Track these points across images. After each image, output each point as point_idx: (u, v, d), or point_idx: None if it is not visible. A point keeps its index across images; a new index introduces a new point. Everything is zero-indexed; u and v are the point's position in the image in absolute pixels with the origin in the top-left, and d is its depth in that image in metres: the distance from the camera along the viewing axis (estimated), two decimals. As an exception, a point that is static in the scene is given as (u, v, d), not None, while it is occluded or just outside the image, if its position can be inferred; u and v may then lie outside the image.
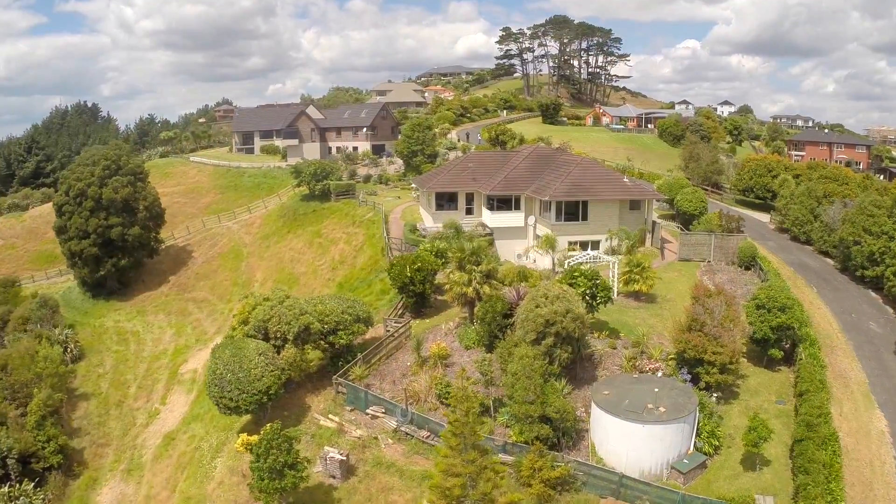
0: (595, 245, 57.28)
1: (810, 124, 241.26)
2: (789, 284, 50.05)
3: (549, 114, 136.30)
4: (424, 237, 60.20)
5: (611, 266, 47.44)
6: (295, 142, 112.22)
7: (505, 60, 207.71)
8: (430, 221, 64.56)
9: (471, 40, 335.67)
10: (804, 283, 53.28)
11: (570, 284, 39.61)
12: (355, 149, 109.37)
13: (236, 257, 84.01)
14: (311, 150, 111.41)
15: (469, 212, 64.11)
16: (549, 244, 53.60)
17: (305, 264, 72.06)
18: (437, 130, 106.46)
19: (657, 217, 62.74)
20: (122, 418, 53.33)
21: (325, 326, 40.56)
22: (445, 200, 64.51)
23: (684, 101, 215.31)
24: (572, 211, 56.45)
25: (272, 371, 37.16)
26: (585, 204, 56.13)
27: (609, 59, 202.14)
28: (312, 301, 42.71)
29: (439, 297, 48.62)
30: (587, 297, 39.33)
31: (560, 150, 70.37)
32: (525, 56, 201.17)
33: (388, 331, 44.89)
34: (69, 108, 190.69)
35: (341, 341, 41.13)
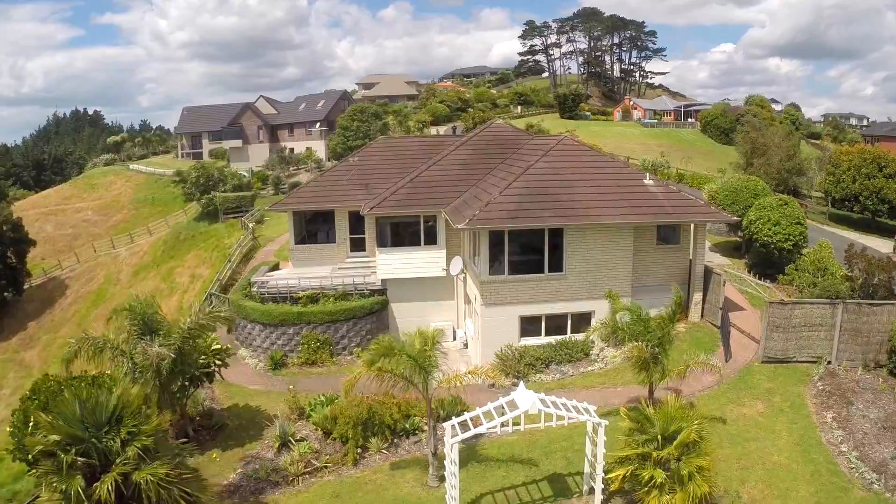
0: (579, 324, 24.67)
1: (865, 123, 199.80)
2: None
3: (568, 106, 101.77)
4: (262, 295, 28.66)
5: (594, 441, 14.91)
6: (238, 143, 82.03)
7: (529, 57, 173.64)
8: (286, 270, 32.91)
9: (506, 46, 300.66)
10: None
11: None
12: (308, 149, 78.30)
13: (99, 299, 54.19)
14: (259, 153, 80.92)
15: (358, 245, 32.17)
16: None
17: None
18: (411, 123, 74.53)
19: (710, 252, 29.22)
20: None
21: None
22: (317, 225, 32.83)
23: (726, 100, 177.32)
24: (531, 249, 24.02)
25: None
26: (558, 235, 23.56)
27: (643, 53, 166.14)
28: None
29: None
30: None
31: (534, 133, 36.31)
32: (552, 52, 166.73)
33: None
34: (66, 115, 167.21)
35: None
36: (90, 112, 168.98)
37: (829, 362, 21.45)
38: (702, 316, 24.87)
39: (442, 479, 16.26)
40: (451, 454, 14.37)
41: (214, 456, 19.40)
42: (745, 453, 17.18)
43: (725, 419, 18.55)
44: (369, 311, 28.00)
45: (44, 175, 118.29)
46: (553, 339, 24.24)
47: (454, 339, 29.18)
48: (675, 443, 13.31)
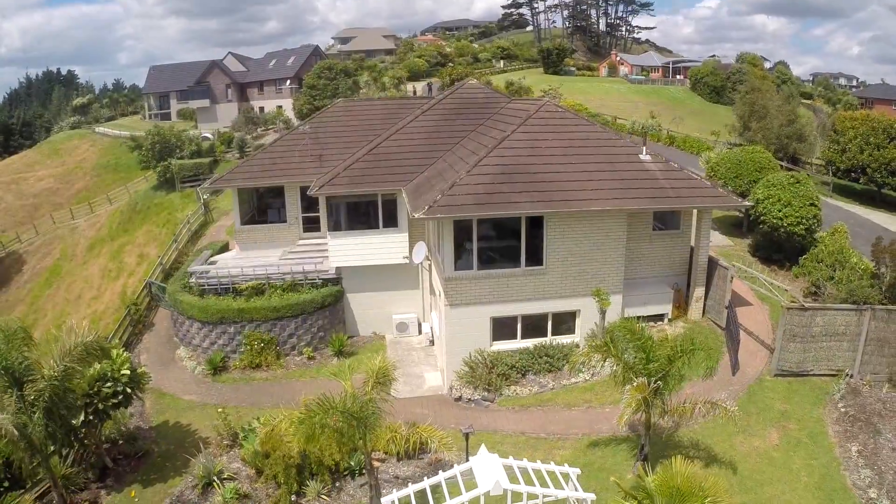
0: (561, 325, 20.90)
1: (854, 83, 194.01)
2: None
3: (552, 61, 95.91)
4: (202, 286, 24.56)
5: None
6: (206, 102, 76.30)
7: (513, 10, 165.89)
8: (233, 252, 28.75)
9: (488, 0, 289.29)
10: None
11: None
12: (279, 107, 72.73)
13: (53, 277, 49.67)
14: (228, 112, 75.17)
15: (312, 226, 28.02)
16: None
17: (83, 308, 37.08)
18: (386, 79, 68.99)
19: (713, 236, 25.30)
20: None
21: None
22: (268, 201, 28.54)
23: (715, 56, 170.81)
24: (505, 238, 20.02)
25: None
26: (538, 223, 19.53)
27: (630, 7, 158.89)
28: None
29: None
30: None
31: (512, 95, 31.61)
32: (536, 5, 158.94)
33: None
34: (39, 76, 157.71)
35: None
36: (63, 72, 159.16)
37: (851, 376, 17.86)
38: (703, 313, 21.11)
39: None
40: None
41: (133, 495, 15.75)
42: (759, 502, 13.67)
43: (735, 459, 14.96)
44: (321, 305, 24.07)
45: (12, 140, 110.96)
46: (531, 342, 20.43)
47: (419, 332, 25.44)
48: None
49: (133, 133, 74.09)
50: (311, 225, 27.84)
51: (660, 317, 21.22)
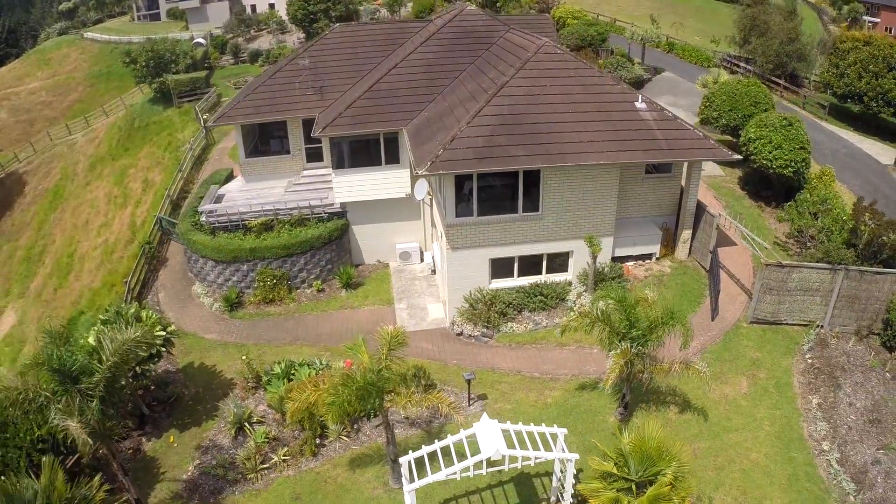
0: (555, 264, 22.02)
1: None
2: None
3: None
4: (212, 224, 25.41)
5: (559, 477, 12.82)
6: (195, 2, 73.09)
7: None
8: (238, 182, 29.23)
9: None
10: None
11: None
12: (272, 7, 69.67)
13: (56, 199, 49.88)
14: (219, 13, 72.07)
15: (315, 156, 28.43)
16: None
17: (93, 237, 37.88)
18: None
19: (705, 165, 25.63)
20: None
21: None
22: (270, 133, 28.71)
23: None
24: (503, 187, 20.63)
25: None
26: (535, 174, 20.07)
27: None
28: None
29: None
30: None
31: (506, 22, 30.61)
32: None
33: None
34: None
35: None
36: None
37: (821, 327, 19.14)
38: (689, 253, 22.20)
39: (401, 479, 14.39)
40: (410, 501, 12.28)
41: (172, 440, 17.39)
42: (722, 448, 15.34)
43: (706, 405, 16.44)
44: (328, 240, 25.06)
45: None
46: (527, 280, 21.67)
47: (421, 260, 26.58)
48: (648, 494, 11.19)
49: (123, 39, 71.70)
50: (314, 155, 28.26)
51: (648, 256, 22.30)
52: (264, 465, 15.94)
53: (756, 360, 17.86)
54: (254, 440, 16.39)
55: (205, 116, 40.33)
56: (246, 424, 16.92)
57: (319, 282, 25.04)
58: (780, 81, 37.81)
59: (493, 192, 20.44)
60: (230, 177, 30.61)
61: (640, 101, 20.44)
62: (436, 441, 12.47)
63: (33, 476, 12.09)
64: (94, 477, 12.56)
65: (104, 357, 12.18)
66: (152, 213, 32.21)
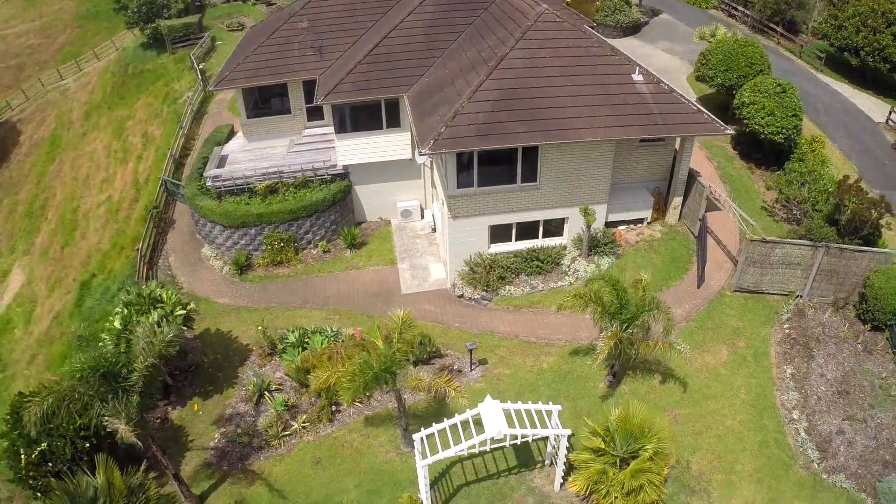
0: (551, 229, 22.97)
1: None
2: None
3: None
4: (219, 189, 26.01)
5: (554, 445, 14.22)
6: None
7: None
8: (240, 141, 29.54)
9: None
10: None
11: None
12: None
13: (54, 149, 49.18)
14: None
15: (316, 114, 28.70)
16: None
17: (95, 192, 38.13)
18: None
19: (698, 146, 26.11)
20: None
21: None
22: (270, 92, 28.82)
23: None
24: (503, 160, 21.18)
25: None
26: (532, 148, 20.59)
27: None
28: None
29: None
30: None
31: None
32: None
33: None
34: None
35: None
36: None
37: (800, 297, 20.25)
38: (679, 218, 23.08)
39: (411, 443, 15.83)
40: (423, 475, 13.72)
41: (196, 409, 18.67)
42: (701, 415, 16.77)
43: (688, 374, 17.75)
44: (332, 202, 25.81)
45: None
46: (524, 244, 22.64)
47: (422, 218, 27.44)
48: (630, 467, 12.61)
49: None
50: (315, 114, 28.53)
51: (640, 220, 23.20)
52: (286, 432, 17.36)
53: (737, 328, 19.12)
54: (274, 408, 17.74)
55: (201, 66, 39.95)
56: (266, 393, 18.24)
57: (325, 242, 25.93)
58: (778, 29, 37.53)
59: (492, 164, 21.07)
60: (231, 133, 30.83)
61: (636, 73, 20.78)
62: (444, 420, 13.81)
63: (85, 469, 13.33)
64: (131, 458, 13.84)
65: (139, 355, 13.19)
66: (155, 172, 32.59)
